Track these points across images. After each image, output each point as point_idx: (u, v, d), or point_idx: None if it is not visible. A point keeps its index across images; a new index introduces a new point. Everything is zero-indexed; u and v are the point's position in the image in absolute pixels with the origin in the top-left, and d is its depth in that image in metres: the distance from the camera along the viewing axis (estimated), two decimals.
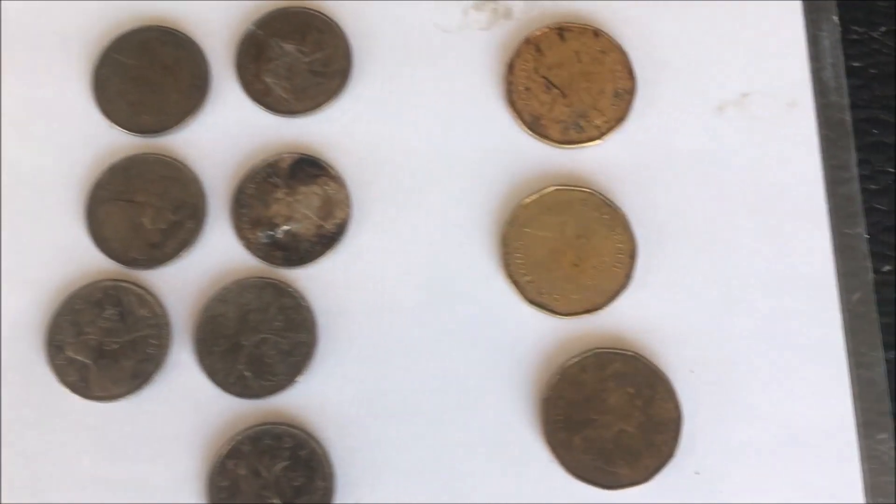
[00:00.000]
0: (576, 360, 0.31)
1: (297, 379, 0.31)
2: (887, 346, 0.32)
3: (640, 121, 0.33)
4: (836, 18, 0.35)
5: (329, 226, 0.33)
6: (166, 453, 0.31)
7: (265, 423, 0.31)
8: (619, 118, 0.33)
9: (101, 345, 0.31)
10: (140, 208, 0.33)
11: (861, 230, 0.32)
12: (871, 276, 0.32)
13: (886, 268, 0.33)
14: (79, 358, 0.31)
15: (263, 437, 0.31)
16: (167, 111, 0.33)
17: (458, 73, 0.34)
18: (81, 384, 0.31)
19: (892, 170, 0.34)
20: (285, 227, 0.33)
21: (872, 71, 0.34)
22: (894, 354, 0.32)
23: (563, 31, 0.34)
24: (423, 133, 0.34)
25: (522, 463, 0.31)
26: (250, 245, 0.32)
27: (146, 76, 0.34)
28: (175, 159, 0.33)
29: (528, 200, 0.33)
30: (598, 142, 0.33)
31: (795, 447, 0.31)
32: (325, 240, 0.32)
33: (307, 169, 0.33)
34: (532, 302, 0.32)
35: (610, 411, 0.31)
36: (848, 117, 0.33)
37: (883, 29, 0.35)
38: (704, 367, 0.31)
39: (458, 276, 0.32)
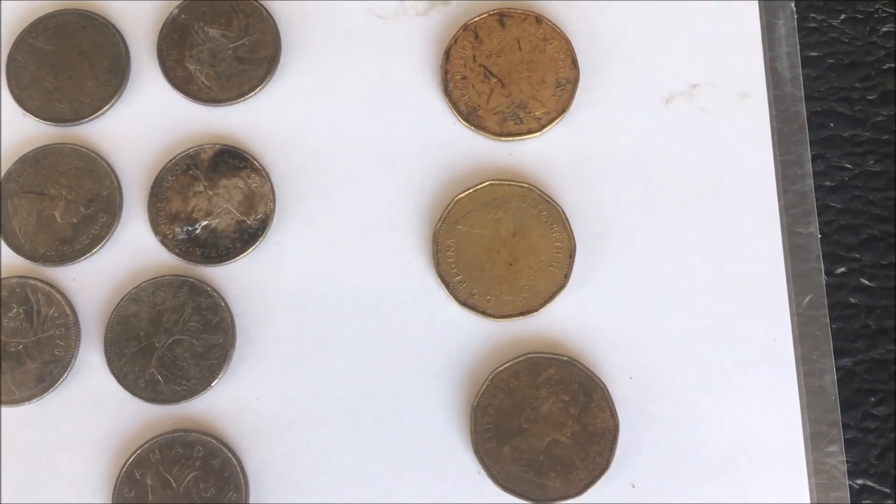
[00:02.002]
0: (508, 365, 0.29)
1: (211, 383, 0.29)
2: (839, 354, 0.30)
3: (582, 112, 0.32)
4: (793, 5, 0.33)
5: (251, 221, 0.31)
6: (71, 461, 0.29)
7: (176, 430, 0.29)
8: (560, 109, 0.31)
9: (5, 346, 0.30)
10: (50, 201, 0.31)
11: (814, 229, 0.31)
12: (823, 278, 0.30)
13: (840, 270, 0.31)
14: None
15: (174, 445, 0.29)
16: (83, 99, 0.32)
17: (392, 61, 0.32)
18: None
19: (849, 165, 0.32)
20: (204, 223, 0.31)
21: (830, 61, 0.33)
22: (846, 362, 0.30)
23: (503, 17, 0.32)
24: (353, 124, 0.32)
25: (449, 473, 0.29)
26: (167, 241, 0.31)
27: (63, 62, 0.32)
28: (90, 150, 0.31)
29: (461, 196, 0.31)
30: (537, 134, 0.31)
31: (739, 460, 0.29)
32: (247, 236, 0.31)
33: (229, 161, 0.31)
34: (463, 303, 0.30)
35: (542, 420, 0.29)
36: (803, 110, 0.32)
37: (843, 17, 0.33)
38: (644, 373, 0.30)
39: (386, 276, 0.31)
